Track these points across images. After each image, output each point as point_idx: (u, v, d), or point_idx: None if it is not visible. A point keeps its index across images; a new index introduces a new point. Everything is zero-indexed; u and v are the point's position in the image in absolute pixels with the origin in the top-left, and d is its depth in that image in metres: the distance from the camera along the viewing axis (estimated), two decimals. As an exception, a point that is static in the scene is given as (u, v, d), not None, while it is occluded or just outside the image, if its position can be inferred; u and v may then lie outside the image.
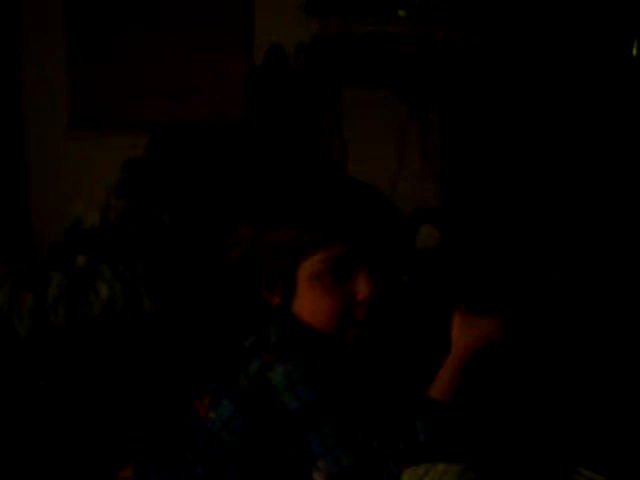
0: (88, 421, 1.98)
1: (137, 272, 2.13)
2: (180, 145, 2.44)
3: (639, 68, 2.64)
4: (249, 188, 2.23)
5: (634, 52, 2.66)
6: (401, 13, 2.93)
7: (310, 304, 1.39)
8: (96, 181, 2.47)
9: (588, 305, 2.29)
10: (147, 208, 2.31)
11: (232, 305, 1.50)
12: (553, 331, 2.06)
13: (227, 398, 1.38)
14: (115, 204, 2.34)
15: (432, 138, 3.05)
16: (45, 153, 3.38)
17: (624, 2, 2.66)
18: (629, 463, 1.33)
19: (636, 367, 1.84)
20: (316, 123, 2.85)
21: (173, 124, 2.54)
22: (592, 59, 2.68)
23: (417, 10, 2.92)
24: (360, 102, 2.97)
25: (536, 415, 1.56)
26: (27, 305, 2.08)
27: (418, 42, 2.88)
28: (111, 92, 3.31)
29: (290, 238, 1.37)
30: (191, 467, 1.43)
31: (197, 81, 3.22)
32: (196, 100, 3.18)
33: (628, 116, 2.65)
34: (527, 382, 1.71)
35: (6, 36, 3.30)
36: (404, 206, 1.85)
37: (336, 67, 2.84)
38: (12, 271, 2.17)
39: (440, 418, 1.31)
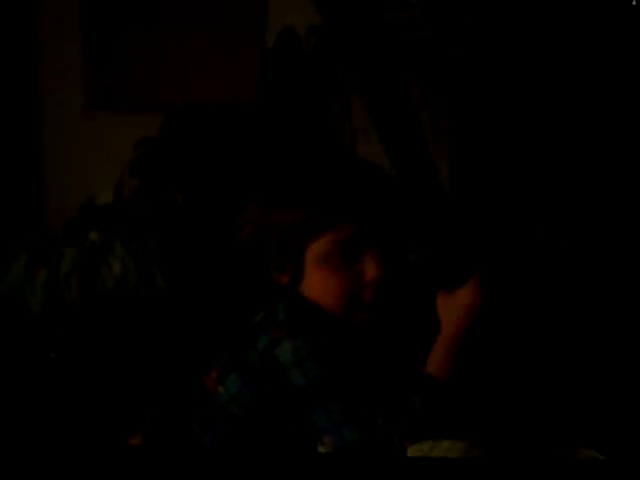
0: (99, 393, 2.00)
1: (150, 249, 2.15)
2: (194, 125, 2.45)
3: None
4: (260, 168, 2.25)
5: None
6: (414, -2, 2.92)
7: (318, 285, 1.42)
8: (111, 161, 2.49)
9: (581, 262, 2.28)
10: (160, 187, 2.32)
11: (242, 283, 1.52)
12: (547, 294, 2.06)
13: (235, 372, 1.41)
14: (129, 182, 2.36)
15: (442, 122, 3.05)
16: (60, 133, 3.37)
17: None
18: (631, 442, 1.35)
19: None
20: (327, 105, 2.85)
21: (188, 104, 2.55)
22: (604, 47, 2.68)
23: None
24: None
25: (538, 393, 1.58)
26: (40, 279, 2.10)
27: (430, 26, 2.87)
28: (127, 73, 3.31)
29: (298, 219, 1.39)
30: (198, 438, 1.46)
31: (211, 63, 3.22)
32: (210, 82, 3.18)
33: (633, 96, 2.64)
34: (527, 357, 1.73)
35: (22, 16, 3.31)
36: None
37: (347, 50, 2.84)
38: (27, 246, 2.19)
39: (435, 393, 1.33)
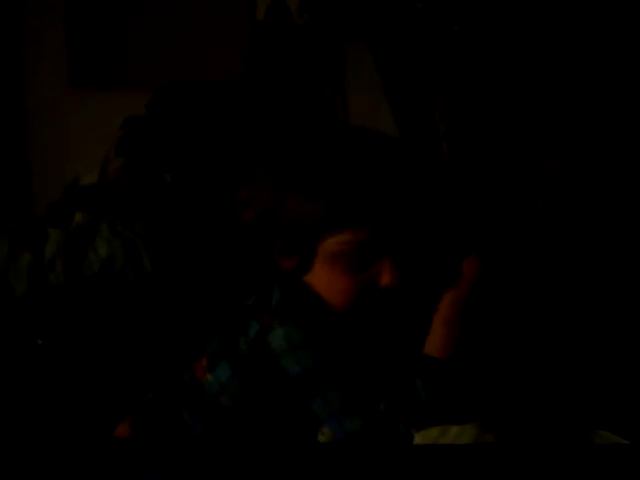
0: (86, 381, 1.96)
1: (137, 230, 2.10)
2: (181, 102, 2.40)
3: None
4: (257, 147, 2.19)
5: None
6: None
7: (324, 282, 1.35)
8: (96, 140, 2.43)
9: (580, 240, 2.25)
10: (147, 166, 2.27)
11: (235, 264, 1.45)
12: (548, 268, 2.03)
13: (225, 361, 1.35)
14: (114, 162, 2.31)
15: (438, 98, 3.00)
16: (45, 111, 3.34)
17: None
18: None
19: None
20: (319, 80, 2.81)
21: (175, 81, 2.49)
22: (608, 35, 2.64)
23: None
24: (364, 58, 2.92)
25: (549, 373, 1.54)
26: (24, 262, 2.05)
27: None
28: (112, 50, 3.27)
29: (318, 212, 1.31)
30: (189, 429, 1.40)
31: (199, 38, 3.18)
32: (198, 57, 3.15)
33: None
34: (535, 334, 1.69)
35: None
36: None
37: (340, 23, 2.79)
38: (8, 228, 2.14)
39: (436, 372, 1.28)
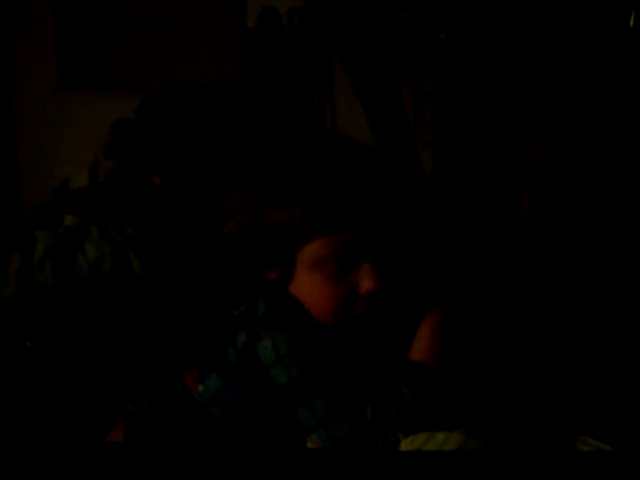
0: (76, 383, 1.96)
1: (126, 233, 2.10)
2: (171, 107, 2.40)
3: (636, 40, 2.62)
4: (245, 154, 2.19)
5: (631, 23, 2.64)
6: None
7: (307, 290, 1.33)
8: (85, 142, 2.43)
9: (566, 246, 2.26)
10: (137, 169, 2.27)
11: (223, 273, 1.45)
12: (534, 276, 2.03)
13: (215, 372, 1.35)
14: (104, 164, 2.31)
15: (425, 106, 3.01)
16: (34, 114, 3.33)
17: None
18: (636, 431, 1.31)
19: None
20: (308, 87, 2.82)
21: (165, 86, 2.50)
22: (591, 31, 2.66)
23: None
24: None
25: (537, 379, 1.54)
26: (13, 265, 2.04)
27: (413, 7, 2.84)
28: (101, 53, 3.27)
29: (294, 218, 1.30)
30: (181, 436, 1.40)
31: (190, 43, 3.18)
32: (189, 62, 3.15)
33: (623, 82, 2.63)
34: (520, 341, 1.69)
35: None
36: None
37: (329, 31, 2.80)
38: (-2, 230, 2.14)
39: (422, 377, 1.28)
